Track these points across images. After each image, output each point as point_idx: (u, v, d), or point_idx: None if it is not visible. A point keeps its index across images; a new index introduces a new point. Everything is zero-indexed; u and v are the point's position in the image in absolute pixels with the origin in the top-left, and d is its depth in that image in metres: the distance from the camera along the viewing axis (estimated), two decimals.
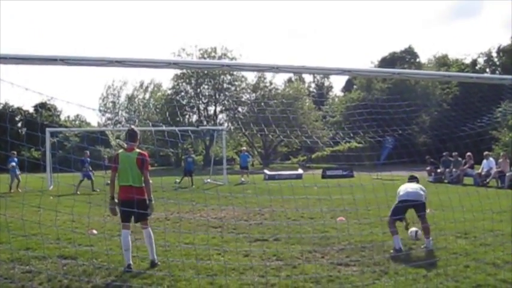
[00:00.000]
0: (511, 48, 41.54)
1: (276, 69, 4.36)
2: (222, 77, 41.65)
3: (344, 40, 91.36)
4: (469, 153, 16.59)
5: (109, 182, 5.64)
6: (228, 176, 20.24)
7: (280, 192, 9.71)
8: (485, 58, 45.78)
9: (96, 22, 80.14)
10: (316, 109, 43.18)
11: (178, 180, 18.13)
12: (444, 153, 17.71)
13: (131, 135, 5.59)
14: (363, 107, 29.69)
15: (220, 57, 40.61)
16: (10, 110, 42.35)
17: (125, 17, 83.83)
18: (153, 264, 5.41)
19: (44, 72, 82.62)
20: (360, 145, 24.04)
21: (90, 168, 16.28)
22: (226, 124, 42.36)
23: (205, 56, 40.88)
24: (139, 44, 73.76)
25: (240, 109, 44.04)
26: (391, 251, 5.97)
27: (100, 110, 52.31)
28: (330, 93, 66.12)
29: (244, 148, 25.10)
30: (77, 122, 53.81)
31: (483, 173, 15.74)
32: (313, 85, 67.31)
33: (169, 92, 44.26)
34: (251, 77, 42.64)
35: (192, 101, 43.21)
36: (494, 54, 45.30)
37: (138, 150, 5.58)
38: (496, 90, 22.55)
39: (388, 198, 6.76)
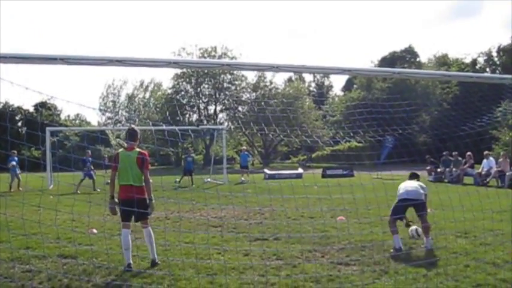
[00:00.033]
0: (511, 47, 41.57)
1: (276, 68, 4.35)
2: (222, 76, 41.63)
3: (344, 40, 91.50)
4: (469, 153, 16.59)
5: (109, 181, 5.64)
6: (228, 175, 20.25)
7: (280, 191, 9.69)
8: (485, 58, 45.84)
9: (96, 22, 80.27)
10: (317, 108, 43.12)
11: (178, 180, 18.13)
12: (444, 153, 17.70)
13: (131, 135, 5.58)
14: (363, 107, 29.70)
15: (220, 57, 40.64)
16: (10, 109, 42.39)
17: (125, 17, 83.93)
18: (153, 264, 5.41)
19: (44, 71, 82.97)
20: (360, 144, 24.07)
21: (92, 168, 16.31)
22: (226, 123, 42.38)
23: (206, 55, 40.89)
24: (140, 43, 74.05)
25: (240, 108, 44.00)
26: (391, 250, 5.97)
27: (100, 109, 52.36)
28: (330, 93, 66.20)
29: (245, 147, 25.14)
30: (77, 121, 53.85)
31: (483, 173, 15.74)
32: (313, 84, 67.34)
33: (169, 91, 44.23)
34: (251, 76, 42.71)
35: (192, 100, 43.17)
36: (494, 54, 45.38)
37: (138, 149, 5.58)
38: (496, 89, 22.59)
39: (388, 198, 6.76)
